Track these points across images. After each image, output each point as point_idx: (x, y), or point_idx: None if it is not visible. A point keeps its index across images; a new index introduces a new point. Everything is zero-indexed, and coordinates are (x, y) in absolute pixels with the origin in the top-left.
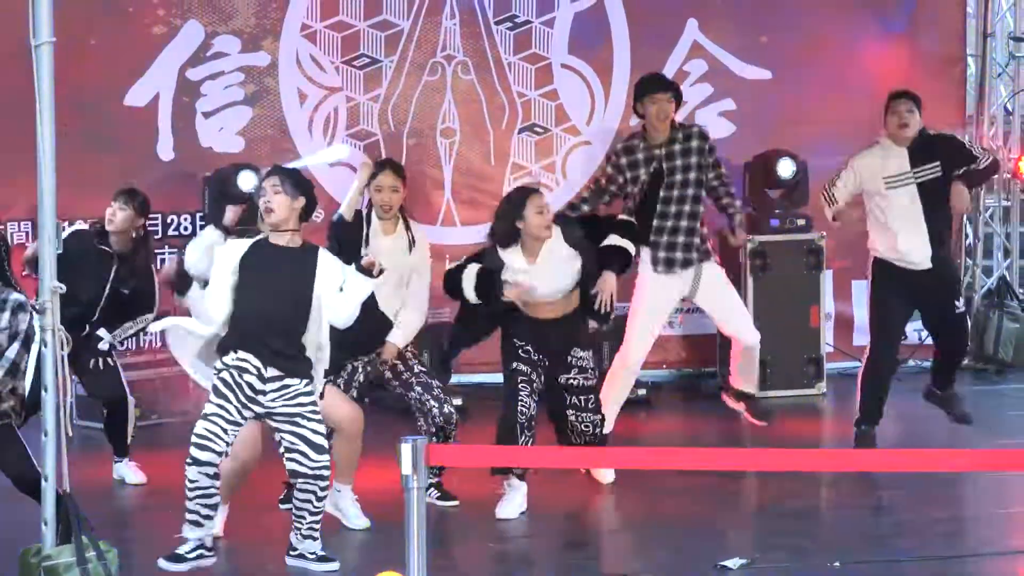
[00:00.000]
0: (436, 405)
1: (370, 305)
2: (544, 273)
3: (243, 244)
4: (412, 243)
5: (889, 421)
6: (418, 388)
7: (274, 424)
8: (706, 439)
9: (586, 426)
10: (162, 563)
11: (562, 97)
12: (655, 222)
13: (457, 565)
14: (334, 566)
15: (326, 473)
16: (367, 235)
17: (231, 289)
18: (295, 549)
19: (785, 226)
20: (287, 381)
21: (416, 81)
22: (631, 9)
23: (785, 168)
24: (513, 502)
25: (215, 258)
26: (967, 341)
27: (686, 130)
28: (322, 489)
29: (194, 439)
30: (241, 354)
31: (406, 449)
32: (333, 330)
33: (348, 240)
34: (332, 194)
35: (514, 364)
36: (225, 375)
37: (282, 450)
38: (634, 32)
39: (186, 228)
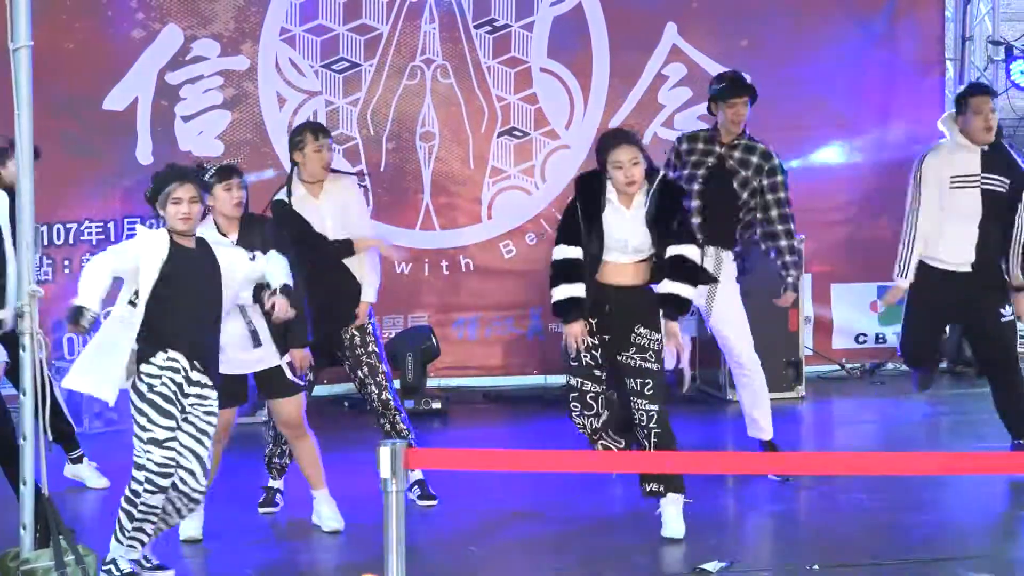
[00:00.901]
0: (376, 391)
1: (346, 276)
2: (633, 222)
3: (164, 242)
4: (352, 193)
5: (867, 424)
6: (365, 369)
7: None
8: (685, 442)
9: (640, 416)
10: None
11: (541, 101)
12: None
13: (436, 569)
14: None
15: (201, 499)
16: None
17: (151, 287)
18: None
19: None
20: (206, 392)
21: (395, 85)
22: (610, 13)
23: None
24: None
25: (138, 248)
26: (1011, 355)
27: (752, 143)
28: (179, 514)
29: (155, 468)
30: (172, 354)
31: (385, 452)
32: (312, 306)
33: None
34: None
35: (568, 378)
36: (160, 387)
37: None
38: (613, 36)
39: None
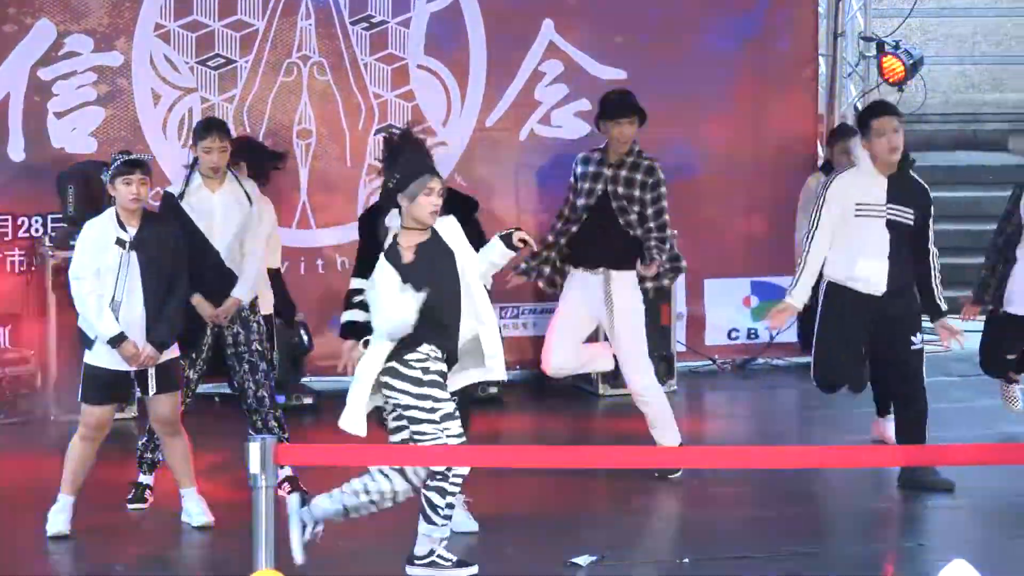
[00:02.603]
0: (252, 388)
1: (216, 262)
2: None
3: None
4: (248, 196)
5: (738, 418)
6: (246, 366)
7: None
8: (557, 437)
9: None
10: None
11: (418, 98)
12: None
13: (304, 563)
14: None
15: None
16: (183, 192)
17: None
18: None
19: None
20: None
21: (271, 82)
22: (487, 10)
23: None
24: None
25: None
26: (919, 383)
27: (638, 159)
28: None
29: (456, 440)
30: (429, 347)
31: (254, 448)
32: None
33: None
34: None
35: None
36: (433, 367)
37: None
38: (490, 33)
39: (36, 230)
